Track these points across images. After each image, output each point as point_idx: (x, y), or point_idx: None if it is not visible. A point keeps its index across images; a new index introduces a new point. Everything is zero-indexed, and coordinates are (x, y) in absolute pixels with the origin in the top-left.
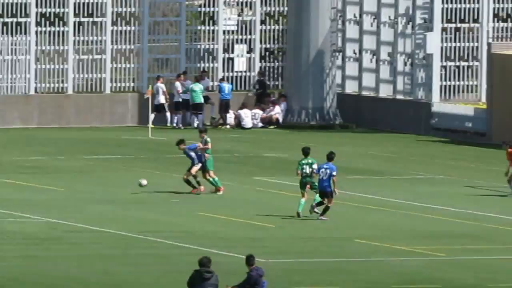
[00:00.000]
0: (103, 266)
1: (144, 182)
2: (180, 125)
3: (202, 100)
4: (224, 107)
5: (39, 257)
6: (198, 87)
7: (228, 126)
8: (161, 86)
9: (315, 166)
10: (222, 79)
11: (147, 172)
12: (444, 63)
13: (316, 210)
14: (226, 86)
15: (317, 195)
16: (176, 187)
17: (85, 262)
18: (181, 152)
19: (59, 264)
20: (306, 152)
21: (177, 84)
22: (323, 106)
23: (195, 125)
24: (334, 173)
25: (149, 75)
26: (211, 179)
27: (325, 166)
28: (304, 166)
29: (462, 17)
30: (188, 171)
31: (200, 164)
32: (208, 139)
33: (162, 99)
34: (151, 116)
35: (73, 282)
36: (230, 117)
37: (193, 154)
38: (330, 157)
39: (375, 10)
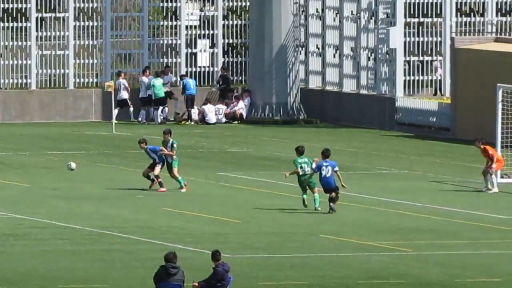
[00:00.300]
0: (69, 262)
1: (73, 165)
2: (145, 121)
3: (163, 95)
4: (190, 102)
5: (4, 253)
6: (158, 81)
7: (192, 122)
8: (123, 81)
9: (313, 165)
10: (184, 75)
11: (111, 167)
12: (408, 58)
13: (332, 206)
14: (191, 82)
15: (316, 194)
16: (141, 183)
17: (51, 258)
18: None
19: (25, 260)
20: (301, 151)
21: (144, 79)
22: (287, 101)
23: (159, 120)
24: (336, 168)
25: (112, 71)
26: (178, 178)
27: (324, 164)
28: (303, 165)
29: (425, 12)
30: (149, 169)
31: (161, 164)
32: (175, 144)
33: (124, 94)
34: (115, 112)
35: (38, 278)
36: (194, 112)
37: (153, 155)
38: (327, 154)
39: (337, 5)
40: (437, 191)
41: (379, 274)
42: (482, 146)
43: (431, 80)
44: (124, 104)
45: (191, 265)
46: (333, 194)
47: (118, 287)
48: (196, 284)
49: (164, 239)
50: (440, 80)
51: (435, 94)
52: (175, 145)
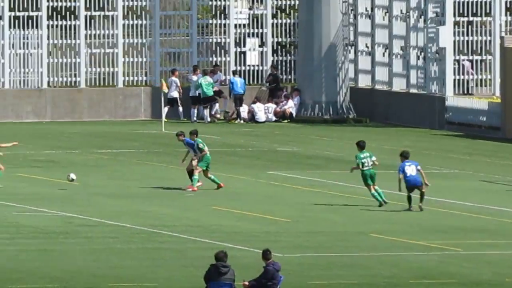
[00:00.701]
0: (119, 260)
1: (73, 176)
2: (195, 119)
3: (212, 93)
4: (238, 101)
5: (55, 251)
6: (206, 80)
7: (241, 121)
8: (175, 80)
9: (374, 158)
10: (234, 73)
11: (160, 166)
12: (457, 57)
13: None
14: (238, 81)
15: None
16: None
17: (101, 256)
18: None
19: (75, 258)
20: (362, 145)
21: (194, 78)
22: (336, 100)
23: (208, 119)
24: (418, 167)
25: (162, 69)
26: (212, 177)
27: (407, 163)
28: (364, 160)
29: (474, 11)
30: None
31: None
32: (200, 145)
33: (175, 93)
34: (164, 110)
35: (88, 276)
36: (244, 111)
37: (188, 148)
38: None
39: (386, 4)
40: (488, 191)
41: (430, 274)
42: None
43: (481, 79)
44: (174, 102)
45: (242, 264)
46: (420, 191)
47: (168, 286)
48: (246, 283)
49: (214, 238)
50: (469, 80)
51: (466, 93)
52: (200, 145)
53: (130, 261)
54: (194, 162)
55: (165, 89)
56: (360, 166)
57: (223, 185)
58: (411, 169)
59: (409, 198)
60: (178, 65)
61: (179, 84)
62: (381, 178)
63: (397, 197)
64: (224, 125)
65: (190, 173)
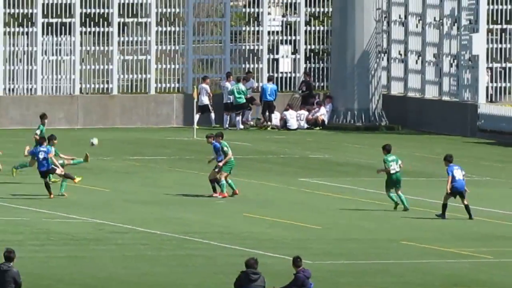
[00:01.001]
0: (149, 267)
1: (95, 141)
2: (227, 126)
3: (244, 100)
4: (267, 108)
5: (85, 258)
6: (238, 88)
7: (269, 127)
8: (205, 87)
9: (400, 162)
10: (269, 79)
11: (192, 173)
12: (491, 65)
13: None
14: (269, 87)
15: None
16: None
17: (131, 263)
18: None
19: (105, 265)
20: (388, 149)
21: (227, 85)
22: (369, 108)
23: (240, 126)
24: (463, 171)
25: (194, 76)
26: (229, 182)
27: (455, 167)
28: (391, 163)
29: (508, 18)
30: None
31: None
32: (225, 148)
33: (205, 100)
34: (196, 117)
35: (119, 283)
36: (276, 118)
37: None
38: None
39: (420, 11)
40: None
41: (461, 281)
42: None
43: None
44: (205, 109)
45: (272, 271)
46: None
47: None
48: None
49: (244, 245)
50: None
51: (491, 100)
52: (225, 149)
53: (160, 268)
54: (215, 171)
55: (195, 96)
56: (390, 170)
57: (238, 192)
58: (458, 173)
59: (445, 206)
60: (211, 72)
61: (209, 91)
62: (411, 185)
63: (431, 205)
64: (256, 132)
65: (212, 181)
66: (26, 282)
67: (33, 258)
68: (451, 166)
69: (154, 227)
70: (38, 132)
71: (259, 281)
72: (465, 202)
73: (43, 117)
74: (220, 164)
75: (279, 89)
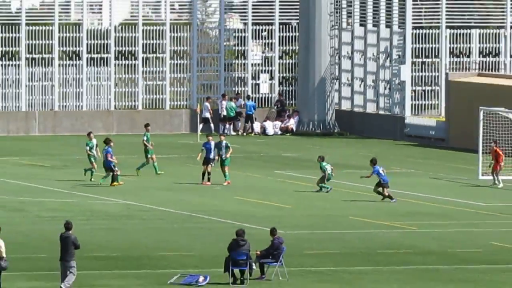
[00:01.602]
0: (166, 236)
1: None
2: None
3: (234, 114)
4: (248, 119)
5: (118, 229)
6: (230, 105)
7: (253, 134)
8: (207, 105)
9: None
10: (248, 97)
11: (196, 167)
12: (414, 88)
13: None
14: (249, 104)
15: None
16: (218, 178)
17: (152, 233)
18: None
19: (133, 234)
20: (374, 161)
21: (224, 102)
22: (325, 119)
23: (232, 132)
24: (384, 170)
25: (198, 96)
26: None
27: (379, 168)
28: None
29: (427, 54)
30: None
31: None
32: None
33: (207, 114)
34: (200, 126)
35: (144, 248)
36: (257, 126)
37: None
38: (375, 162)
39: (362, 49)
40: (435, 185)
41: (393, 246)
42: (495, 148)
43: (431, 104)
44: (207, 121)
45: (255, 239)
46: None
47: (201, 254)
48: (258, 252)
49: (235, 220)
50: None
51: (414, 114)
52: (228, 144)
53: (173, 237)
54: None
55: (198, 111)
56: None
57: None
58: (383, 172)
59: (379, 193)
60: (210, 93)
61: (209, 108)
62: (356, 176)
63: (368, 190)
64: (242, 137)
65: (204, 173)
66: None
67: (80, 230)
68: (376, 167)
69: (169, 206)
70: (145, 138)
71: (245, 246)
72: (386, 194)
73: (147, 126)
74: (228, 155)
75: (260, 106)
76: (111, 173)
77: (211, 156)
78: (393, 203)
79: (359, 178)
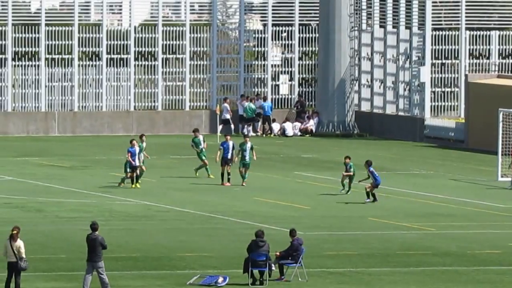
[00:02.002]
0: (184, 236)
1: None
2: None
3: (253, 115)
4: (265, 121)
5: (138, 230)
6: (249, 106)
7: (272, 135)
8: (226, 106)
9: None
10: (265, 99)
11: (216, 167)
12: (433, 89)
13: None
14: (266, 105)
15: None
16: (237, 179)
17: (171, 234)
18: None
19: (152, 235)
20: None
21: (244, 103)
22: (345, 120)
23: (251, 133)
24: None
25: (217, 97)
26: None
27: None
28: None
29: (446, 55)
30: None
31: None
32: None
33: (227, 115)
34: (219, 127)
35: (162, 248)
36: (276, 127)
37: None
38: (370, 163)
39: (382, 50)
40: (455, 187)
41: (411, 247)
42: None
43: (450, 105)
44: (227, 122)
45: (274, 240)
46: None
47: (220, 255)
48: (278, 253)
49: (254, 221)
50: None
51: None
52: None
53: (193, 237)
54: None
55: (218, 112)
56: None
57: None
58: (378, 174)
59: (373, 194)
60: (229, 94)
61: (229, 109)
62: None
63: (390, 191)
64: (262, 138)
65: (223, 174)
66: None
67: (100, 230)
68: (370, 168)
69: (188, 207)
70: (192, 143)
71: (265, 247)
72: (373, 192)
73: (195, 131)
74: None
75: (279, 107)
76: (136, 173)
77: (229, 155)
78: (367, 202)
79: (357, 182)
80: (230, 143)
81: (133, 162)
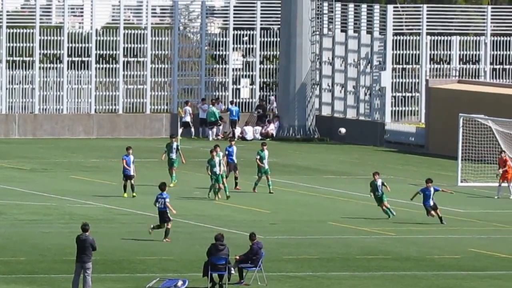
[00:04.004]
0: (145, 240)
1: (343, 130)
2: (200, 136)
3: (215, 119)
4: (232, 124)
5: (98, 233)
6: (211, 109)
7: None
8: (188, 109)
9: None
10: (231, 102)
11: (176, 171)
12: (394, 94)
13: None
14: (234, 110)
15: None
16: (197, 183)
17: (132, 237)
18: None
19: (113, 238)
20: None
21: (204, 106)
22: (305, 124)
23: (212, 137)
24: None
25: (178, 100)
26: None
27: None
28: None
29: (407, 60)
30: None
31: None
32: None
33: (188, 118)
34: (179, 131)
35: (123, 251)
36: (237, 131)
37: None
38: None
39: (343, 55)
40: (414, 192)
41: (372, 251)
42: (504, 157)
43: (411, 110)
44: (187, 125)
45: (234, 244)
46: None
47: (180, 259)
48: (237, 257)
49: (214, 224)
50: None
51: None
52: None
53: (153, 241)
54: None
55: (182, 114)
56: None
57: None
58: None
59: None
60: (191, 98)
61: (190, 112)
62: (336, 181)
63: (349, 195)
64: (223, 141)
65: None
66: (53, 250)
67: (60, 233)
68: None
69: (149, 210)
70: (258, 157)
71: (224, 250)
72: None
73: (263, 145)
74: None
75: (240, 111)
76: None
77: (235, 160)
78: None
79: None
80: (234, 148)
81: (127, 170)
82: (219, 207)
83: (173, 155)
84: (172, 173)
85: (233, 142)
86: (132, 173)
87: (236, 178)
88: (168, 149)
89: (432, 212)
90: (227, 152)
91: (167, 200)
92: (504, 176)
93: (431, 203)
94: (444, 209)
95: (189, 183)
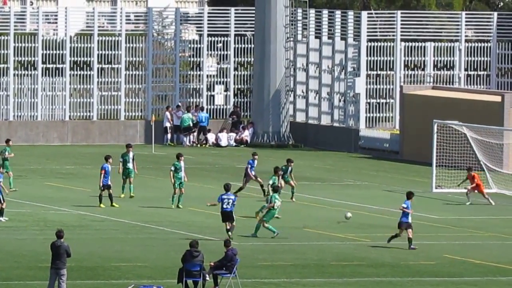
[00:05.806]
0: (119, 246)
1: (349, 214)
2: (175, 142)
3: (190, 125)
4: (202, 131)
5: (73, 239)
6: (187, 115)
7: (207, 145)
8: (167, 114)
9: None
10: (201, 109)
11: (151, 178)
12: (368, 100)
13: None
14: (203, 116)
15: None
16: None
17: (106, 243)
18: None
19: (87, 244)
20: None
21: (179, 113)
22: (280, 131)
23: (187, 143)
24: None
25: (153, 107)
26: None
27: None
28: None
29: (382, 66)
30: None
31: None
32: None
33: (167, 123)
34: (168, 136)
35: (97, 258)
36: (211, 138)
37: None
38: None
39: (317, 61)
40: (389, 198)
41: (346, 258)
42: (473, 174)
43: (385, 116)
44: (165, 131)
45: (209, 250)
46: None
47: (155, 265)
48: (212, 264)
49: (189, 231)
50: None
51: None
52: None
53: (128, 247)
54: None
55: (152, 122)
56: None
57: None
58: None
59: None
60: (165, 105)
61: (169, 118)
62: (309, 187)
63: (324, 202)
64: (197, 148)
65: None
66: (28, 257)
67: (35, 240)
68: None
69: (123, 217)
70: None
71: (199, 257)
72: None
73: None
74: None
75: (215, 117)
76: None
77: (253, 172)
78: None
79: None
80: (256, 161)
81: (104, 180)
82: (194, 214)
83: (130, 165)
84: (129, 183)
85: (256, 156)
86: (108, 182)
87: (262, 186)
88: (125, 158)
89: (405, 231)
90: (248, 166)
91: (235, 201)
92: (473, 189)
93: (409, 219)
94: (419, 215)
95: (164, 190)
